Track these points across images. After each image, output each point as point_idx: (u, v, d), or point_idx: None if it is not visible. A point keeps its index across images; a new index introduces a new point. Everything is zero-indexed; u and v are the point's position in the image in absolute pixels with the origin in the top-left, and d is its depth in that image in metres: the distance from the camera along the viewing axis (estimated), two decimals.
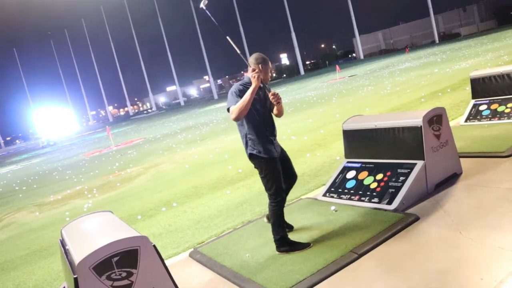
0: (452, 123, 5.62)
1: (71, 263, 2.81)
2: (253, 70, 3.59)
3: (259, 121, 3.73)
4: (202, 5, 3.97)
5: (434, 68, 19.83)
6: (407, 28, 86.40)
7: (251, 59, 3.75)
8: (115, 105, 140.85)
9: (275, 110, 3.79)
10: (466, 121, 6.85)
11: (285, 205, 4.19)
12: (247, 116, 3.64)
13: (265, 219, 4.28)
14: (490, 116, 6.57)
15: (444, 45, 48.91)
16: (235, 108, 3.52)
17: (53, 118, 79.01)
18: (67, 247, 3.09)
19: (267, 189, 3.79)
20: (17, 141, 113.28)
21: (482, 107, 6.83)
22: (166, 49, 78.90)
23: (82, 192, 10.20)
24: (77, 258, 2.62)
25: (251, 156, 3.76)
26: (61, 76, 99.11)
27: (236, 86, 3.72)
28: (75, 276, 2.54)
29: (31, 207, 10.11)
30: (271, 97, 3.63)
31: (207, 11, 3.97)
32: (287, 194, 4.04)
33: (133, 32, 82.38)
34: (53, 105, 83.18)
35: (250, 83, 3.64)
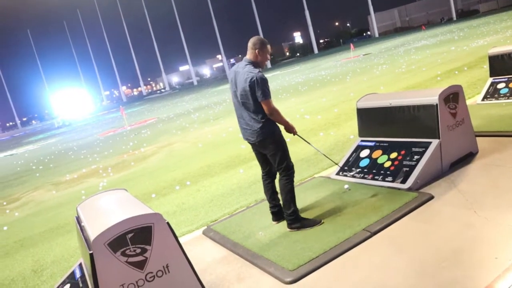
0: (468, 102, 5.51)
1: (86, 239, 2.86)
2: (295, 132, 3.93)
3: None
4: None
5: (451, 46, 19.38)
6: (423, 5, 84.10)
7: (250, 44, 3.85)
8: (129, 85, 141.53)
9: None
10: (483, 99, 6.71)
11: (299, 184, 4.20)
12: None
13: (274, 222, 4.17)
14: (508, 95, 6.42)
15: (461, 22, 47.68)
16: (279, 116, 3.74)
17: (69, 99, 79.87)
18: (82, 224, 3.14)
19: (280, 164, 3.83)
20: (33, 121, 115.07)
21: (500, 85, 6.67)
22: (178, 28, 78.52)
23: (97, 171, 10.34)
24: (92, 234, 2.66)
25: (267, 137, 3.78)
26: (75, 56, 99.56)
27: (259, 73, 3.70)
28: (90, 252, 2.59)
29: (48, 186, 10.31)
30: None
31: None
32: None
33: (146, 12, 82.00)
34: (67, 85, 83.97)
35: (259, 67, 3.85)
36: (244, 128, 3.91)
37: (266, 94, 3.65)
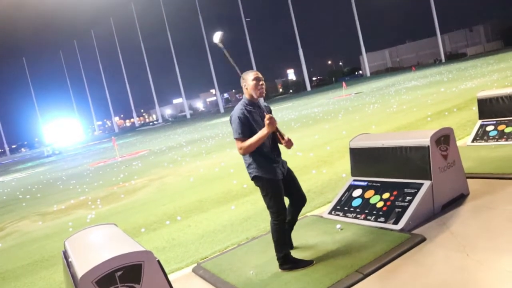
0: (458, 143, 5.58)
1: (73, 276, 2.79)
2: (269, 118, 3.54)
3: (264, 144, 3.73)
4: (217, 42, 3.74)
5: (441, 87, 19.83)
6: (413, 47, 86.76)
7: (241, 80, 3.77)
8: (121, 116, 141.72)
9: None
10: (473, 141, 6.82)
11: None
12: None
13: None
14: (497, 137, 6.54)
15: (450, 64, 49.01)
16: (245, 146, 3.59)
17: (60, 127, 79.80)
18: (70, 260, 3.06)
19: (269, 207, 3.80)
20: (22, 149, 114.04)
21: (489, 128, 6.80)
22: (173, 61, 79.66)
23: (86, 203, 10.18)
24: (80, 271, 2.59)
25: (255, 178, 3.77)
26: (69, 85, 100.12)
27: (238, 110, 3.69)
28: None
29: (34, 216, 10.10)
30: (284, 144, 3.76)
31: (224, 50, 3.76)
32: (296, 216, 4.08)
33: (141, 44, 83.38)
34: (60, 114, 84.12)
35: (251, 105, 3.73)
36: None
37: (235, 132, 3.65)
